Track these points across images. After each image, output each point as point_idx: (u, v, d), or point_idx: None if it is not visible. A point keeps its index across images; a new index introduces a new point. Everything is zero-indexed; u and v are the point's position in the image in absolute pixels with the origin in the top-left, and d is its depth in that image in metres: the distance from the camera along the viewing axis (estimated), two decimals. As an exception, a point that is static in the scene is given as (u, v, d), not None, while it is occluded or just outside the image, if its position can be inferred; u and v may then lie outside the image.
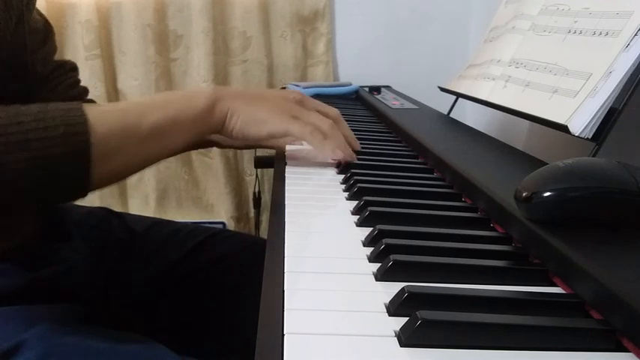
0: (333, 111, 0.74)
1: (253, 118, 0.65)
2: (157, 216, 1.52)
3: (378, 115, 1.11)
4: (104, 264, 0.81)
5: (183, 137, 0.63)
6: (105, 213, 0.90)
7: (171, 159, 1.64)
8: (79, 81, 0.90)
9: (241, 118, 0.65)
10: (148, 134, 0.59)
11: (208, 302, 0.86)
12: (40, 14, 0.83)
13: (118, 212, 0.92)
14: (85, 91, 0.91)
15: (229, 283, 0.86)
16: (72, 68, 0.89)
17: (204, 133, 0.65)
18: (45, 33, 0.83)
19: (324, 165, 0.73)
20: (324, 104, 0.74)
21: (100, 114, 0.55)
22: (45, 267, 0.70)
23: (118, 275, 0.82)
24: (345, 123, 0.75)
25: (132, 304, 0.82)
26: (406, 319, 0.34)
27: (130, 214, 0.93)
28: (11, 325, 0.59)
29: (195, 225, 0.97)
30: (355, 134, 0.89)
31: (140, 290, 0.83)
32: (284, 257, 0.44)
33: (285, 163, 0.73)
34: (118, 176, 0.61)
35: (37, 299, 0.64)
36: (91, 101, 0.90)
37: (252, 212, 1.66)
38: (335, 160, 0.72)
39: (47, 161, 0.51)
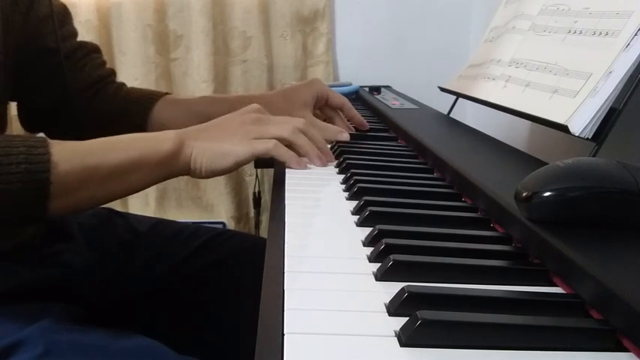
0: (297, 120, 0.72)
1: (217, 153, 0.65)
2: (157, 216, 1.52)
3: (378, 115, 1.11)
4: (107, 264, 0.81)
5: (146, 179, 0.63)
6: (108, 213, 0.90)
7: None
8: (104, 62, 0.93)
9: (205, 156, 0.65)
10: (109, 174, 0.59)
11: (209, 302, 0.86)
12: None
13: (121, 212, 0.92)
14: (113, 71, 0.94)
15: (229, 283, 0.86)
16: (94, 49, 0.92)
17: (169, 175, 0.65)
18: (62, 16, 0.86)
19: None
20: (284, 117, 0.73)
21: (63, 152, 0.57)
22: (46, 267, 0.70)
23: (120, 275, 0.82)
24: (314, 129, 0.73)
25: (134, 303, 0.82)
26: (406, 319, 0.34)
27: (133, 214, 0.94)
28: (11, 323, 0.60)
29: (198, 225, 0.97)
30: (355, 134, 0.89)
31: (142, 290, 0.83)
32: (284, 257, 0.44)
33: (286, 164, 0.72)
34: (78, 209, 0.63)
35: (38, 299, 0.64)
36: (123, 84, 0.93)
37: (252, 212, 1.66)
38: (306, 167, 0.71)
39: (7, 194, 0.53)
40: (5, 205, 0.54)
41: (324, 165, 0.72)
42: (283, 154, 0.68)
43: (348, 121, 0.92)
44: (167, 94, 0.92)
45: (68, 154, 0.57)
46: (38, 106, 0.86)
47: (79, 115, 0.84)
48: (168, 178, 0.66)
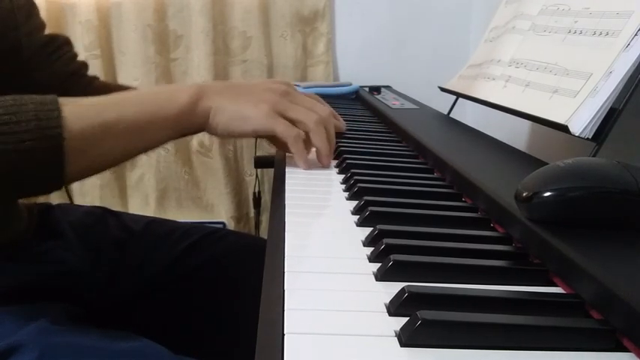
0: (323, 109, 0.70)
1: (237, 115, 0.63)
2: (157, 216, 1.52)
3: (378, 115, 1.11)
4: (101, 263, 0.81)
5: (162, 133, 0.62)
6: (102, 212, 0.89)
7: (171, 159, 1.64)
8: (75, 55, 0.90)
9: (225, 115, 0.63)
10: (126, 130, 0.58)
11: (208, 302, 0.86)
12: None
13: (114, 211, 0.92)
14: (84, 65, 0.91)
15: (229, 283, 0.86)
16: (65, 42, 0.89)
17: (186, 130, 0.64)
18: (27, 9, 0.82)
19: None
20: (312, 100, 0.71)
21: (76, 108, 0.55)
22: (37, 265, 0.70)
23: (115, 274, 0.82)
24: (332, 125, 0.71)
25: (129, 303, 0.82)
26: (406, 319, 0.34)
27: (126, 213, 0.93)
28: (7, 325, 0.59)
29: (192, 224, 0.97)
30: (355, 134, 0.89)
31: (137, 289, 0.83)
32: (284, 257, 0.44)
33: (285, 164, 0.72)
34: (95, 170, 0.61)
35: (33, 299, 0.64)
36: (97, 79, 0.90)
37: (252, 212, 1.66)
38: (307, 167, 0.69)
39: (20, 155, 0.51)
40: (20, 167, 0.51)
41: (326, 166, 0.71)
42: (299, 150, 0.66)
43: None
44: (131, 87, 0.88)
45: (82, 111, 0.55)
46: None
47: None
48: (187, 134, 0.65)
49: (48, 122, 0.52)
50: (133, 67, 1.59)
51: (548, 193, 0.45)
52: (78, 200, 1.61)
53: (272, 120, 0.64)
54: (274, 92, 0.66)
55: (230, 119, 0.63)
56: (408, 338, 0.33)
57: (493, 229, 0.53)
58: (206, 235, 0.90)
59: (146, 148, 0.63)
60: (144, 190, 1.67)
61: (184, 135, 0.65)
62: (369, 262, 0.45)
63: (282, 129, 0.64)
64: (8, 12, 0.76)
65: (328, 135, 0.69)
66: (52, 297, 0.66)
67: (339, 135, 0.87)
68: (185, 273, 0.86)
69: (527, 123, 1.03)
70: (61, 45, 0.88)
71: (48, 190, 0.56)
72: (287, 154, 0.76)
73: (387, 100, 1.23)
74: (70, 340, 0.59)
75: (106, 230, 0.86)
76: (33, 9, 0.84)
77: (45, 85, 0.82)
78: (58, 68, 0.86)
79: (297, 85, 1.36)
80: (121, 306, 0.81)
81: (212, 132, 0.64)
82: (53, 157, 0.52)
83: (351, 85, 1.42)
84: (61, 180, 0.54)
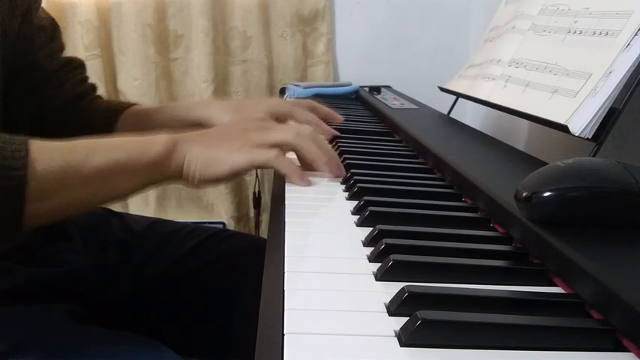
0: (301, 127, 0.68)
1: (211, 160, 0.60)
2: (157, 216, 1.52)
3: (378, 115, 1.11)
4: (104, 264, 0.81)
5: (132, 182, 0.59)
6: (105, 213, 0.90)
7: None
8: (86, 78, 0.90)
9: (199, 162, 0.60)
10: (92, 176, 0.55)
11: (208, 302, 0.86)
12: (45, 13, 0.83)
13: (117, 212, 0.92)
14: (93, 87, 0.91)
15: (229, 283, 0.86)
16: (79, 65, 0.89)
17: (159, 180, 0.61)
18: (51, 31, 0.84)
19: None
20: (291, 125, 0.69)
21: (43, 149, 0.52)
22: (45, 267, 0.70)
23: (118, 275, 0.82)
24: (317, 135, 0.68)
25: (132, 303, 0.82)
26: (406, 319, 0.34)
27: (129, 214, 0.93)
28: (12, 325, 0.59)
29: (196, 225, 0.97)
30: (355, 134, 0.89)
31: (140, 290, 0.83)
32: (284, 257, 0.44)
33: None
34: (57, 215, 0.58)
35: (37, 299, 0.64)
36: (99, 98, 0.91)
37: (252, 212, 1.66)
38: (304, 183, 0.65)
39: None
40: None
41: (335, 175, 0.67)
42: (285, 166, 0.63)
43: (324, 121, 0.87)
44: (134, 105, 0.89)
45: (49, 152, 0.53)
46: (15, 118, 0.84)
47: (52, 130, 0.82)
48: (158, 184, 0.62)
49: (12, 162, 0.49)
50: (133, 67, 1.59)
51: (548, 193, 0.45)
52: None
53: (247, 154, 0.61)
54: (247, 130, 0.64)
55: (204, 166, 0.60)
56: (407, 338, 0.33)
57: (493, 229, 0.53)
58: (209, 236, 0.91)
59: (114, 197, 0.60)
60: (144, 190, 1.67)
61: (156, 186, 0.62)
62: (369, 262, 0.45)
63: (258, 157, 0.62)
64: (32, 33, 0.76)
65: (317, 144, 0.67)
66: (56, 298, 0.66)
67: (339, 133, 0.86)
68: (188, 274, 0.86)
69: (526, 123, 1.03)
70: (76, 67, 0.88)
71: (3, 234, 0.52)
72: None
73: (387, 100, 1.23)
74: (73, 341, 0.59)
75: (110, 231, 0.86)
76: (55, 32, 0.85)
77: (53, 105, 0.83)
78: (67, 89, 0.86)
79: (297, 85, 1.36)
80: (124, 306, 0.81)
81: (191, 184, 0.61)
82: (13, 200, 0.50)
83: (351, 85, 1.42)
84: (19, 224, 0.51)
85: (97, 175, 0.55)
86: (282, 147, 0.64)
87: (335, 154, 0.70)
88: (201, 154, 0.61)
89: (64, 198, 0.54)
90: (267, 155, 0.62)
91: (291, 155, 0.67)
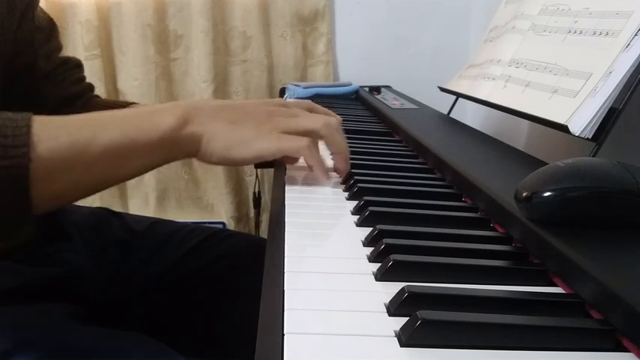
0: (327, 116, 0.65)
1: (237, 140, 0.56)
2: (157, 216, 1.52)
3: (378, 115, 1.11)
4: (105, 264, 0.81)
5: (142, 160, 0.54)
6: (105, 213, 0.90)
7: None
8: (83, 77, 0.90)
9: (221, 141, 0.56)
10: (100, 154, 0.51)
11: (209, 302, 0.86)
12: (44, 12, 0.83)
13: (118, 212, 0.92)
14: (91, 87, 0.91)
15: (229, 283, 0.86)
16: (76, 65, 0.89)
17: (171, 157, 0.56)
18: (49, 31, 0.84)
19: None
20: (312, 108, 0.67)
21: (48, 126, 0.49)
22: (45, 267, 0.70)
23: (118, 275, 0.82)
24: (340, 128, 0.66)
25: (132, 303, 0.82)
26: (406, 319, 0.34)
27: (130, 214, 0.94)
28: (13, 324, 0.59)
29: (196, 225, 0.97)
30: (355, 134, 0.89)
31: (140, 290, 0.83)
32: (284, 257, 0.44)
33: (285, 164, 0.72)
34: (65, 199, 0.54)
35: (38, 299, 0.64)
36: (97, 97, 0.91)
37: (252, 212, 1.66)
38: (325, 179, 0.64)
39: None
40: None
41: (344, 173, 0.66)
42: (314, 158, 0.60)
43: None
44: (131, 104, 0.87)
45: (54, 130, 0.49)
46: None
47: None
48: (172, 160, 0.57)
49: (13, 140, 0.46)
50: (132, 67, 1.59)
51: (548, 193, 0.45)
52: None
53: (275, 140, 0.58)
54: (273, 114, 0.61)
55: (228, 145, 0.56)
56: (407, 338, 0.33)
57: (493, 229, 0.53)
58: (209, 236, 0.91)
59: (125, 176, 0.56)
60: (144, 190, 1.67)
61: (168, 162, 0.58)
62: (369, 262, 0.45)
63: (288, 145, 0.58)
64: (30, 32, 0.75)
65: (342, 137, 0.65)
66: (56, 297, 0.66)
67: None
68: (188, 273, 0.86)
69: (526, 123, 1.03)
70: (73, 67, 0.88)
71: (9, 224, 0.48)
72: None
73: (387, 100, 1.23)
74: (75, 340, 0.59)
75: (110, 231, 0.86)
76: (53, 31, 0.85)
77: (51, 103, 0.83)
78: (64, 88, 0.85)
79: (297, 86, 1.36)
80: (124, 306, 0.81)
81: (205, 160, 0.57)
82: (16, 182, 0.46)
83: (351, 85, 1.42)
84: (24, 213, 0.47)
85: (104, 153, 0.51)
86: (311, 135, 0.61)
87: (348, 150, 0.67)
88: (223, 132, 0.56)
89: (72, 178, 0.51)
90: (299, 144, 0.58)
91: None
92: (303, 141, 0.59)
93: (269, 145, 0.57)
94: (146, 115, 0.55)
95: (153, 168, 0.57)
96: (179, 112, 0.55)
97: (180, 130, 0.55)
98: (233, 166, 0.61)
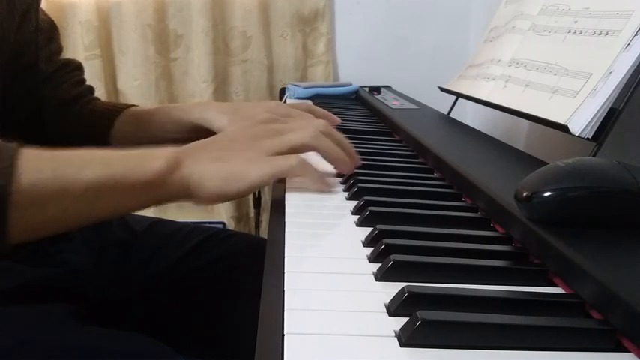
0: (316, 121, 0.64)
1: (228, 176, 0.55)
2: (157, 216, 1.52)
3: (378, 115, 1.11)
4: (105, 264, 0.81)
5: (128, 201, 0.54)
6: (105, 213, 0.90)
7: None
8: (84, 80, 0.91)
9: (213, 179, 0.55)
10: (84, 191, 0.51)
11: (209, 302, 0.86)
12: (45, 14, 0.83)
13: (118, 212, 0.92)
14: (91, 89, 0.91)
15: (229, 283, 0.86)
16: (77, 67, 0.90)
17: (162, 200, 0.56)
18: (50, 32, 0.84)
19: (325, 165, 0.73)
20: (302, 114, 0.66)
21: (33, 159, 0.49)
22: (45, 267, 0.70)
23: (118, 275, 0.82)
24: (333, 130, 0.64)
25: (133, 303, 0.82)
26: (406, 319, 0.34)
27: (130, 214, 0.93)
28: (13, 324, 0.59)
29: (196, 225, 0.97)
30: (355, 134, 0.89)
31: (140, 290, 0.83)
32: (284, 257, 0.44)
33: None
34: (47, 229, 0.54)
35: (38, 299, 0.64)
36: (97, 99, 0.91)
37: (252, 212, 1.66)
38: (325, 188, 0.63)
39: None
40: None
41: (353, 169, 0.65)
42: (309, 172, 0.59)
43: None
44: (131, 106, 0.87)
45: (38, 163, 0.49)
46: (12, 117, 0.84)
47: (50, 130, 0.82)
48: (159, 204, 0.57)
49: None
50: (132, 67, 1.59)
51: (548, 193, 0.45)
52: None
53: (266, 165, 0.56)
54: (258, 136, 0.59)
55: (220, 183, 0.55)
56: (408, 338, 0.33)
57: (493, 229, 0.53)
58: (209, 236, 0.91)
59: (105, 215, 0.56)
60: (144, 190, 1.67)
61: (155, 205, 0.57)
62: (369, 262, 0.45)
63: (280, 167, 0.56)
64: (31, 34, 0.75)
65: (335, 139, 0.63)
66: (56, 297, 0.66)
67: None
68: (188, 273, 0.86)
69: (526, 123, 1.03)
70: (73, 69, 0.88)
71: None
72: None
73: (387, 100, 1.23)
74: (75, 340, 0.59)
75: (110, 231, 0.86)
76: (54, 33, 0.85)
77: (51, 105, 0.83)
78: (64, 90, 0.86)
79: (297, 85, 1.36)
80: (124, 306, 0.81)
81: (201, 201, 0.56)
82: None
83: (351, 85, 1.42)
84: (3, 236, 0.48)
85: (89, 190, 0.51)
86: (300, 150, 0.59)
87: (350, 145, 0.66)
88: (215, 171, 0.55)
89: (54, 212, 0.51)
90: (289, 163, 0.57)
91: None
92: (293, 159, 0.57)
93: (260, 173, 0.56)
94: (135, 157, 0.55)
95: (140, 209, 0.56)
96: (170, 155, 0.54)
97: (169, 174, 0.54)
98: (231, 200, 0.59)
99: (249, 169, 0.56)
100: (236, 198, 0.59)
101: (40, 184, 0.49)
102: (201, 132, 0.76)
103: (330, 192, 0.62)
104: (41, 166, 0.50)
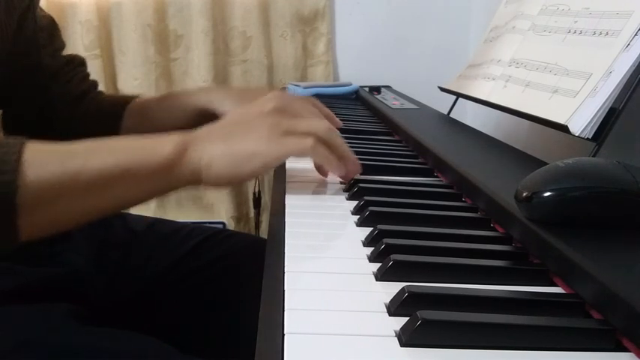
0: (325, 121, 0.62)
1: (239, 156, 0.53)
2: (157, 216, 1.52)
3: (378, 115, 1.11)
4: (105, 264, 0.81)
5: (138, 190, 0.53)
6: (105, 213, 0.90)
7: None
8: (88, 75, 0.92)
9: (224, 161, 0.53)
10: (91, 183, 0.49)
11: (209, 302, 0.86)
12: (43, 11, 0.84)
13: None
14: (95, 84, 0.92)
15: (229, 283, 0.86)
16: (80, 63, 0.90)
17: (172, 186, 0.54)
18: (50, 30, 0.84)
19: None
20: (308, 107, 0.64)
21: (39, 153, 0.48)
22: (46, 267, 0.70)
23: (118, 275, 0.82)
24: (336, 133, 0.62)
25: (133, 303, 0.82)
26: (406, 319, 0.34)
27: (129, 214, 0.93)
28: (14, 324, 0.59)
29: (196, 225, 0.97)
30: (355, 134, 0.89)
31: (141, 289, 0.83)
32: (284, 257, 0.44)
33: (285, 164, 0.72)
34: (57, 226, 0.53)
35: (38, 299, 0.64)
36: (102, 93, 0.92)
37: (252, 212, 1.66)
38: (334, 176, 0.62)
39: None
40: None
41: (355, 174, 0.62)
42: (325, 155, 0.56)
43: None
44: (136, 97, 0.87)
45: (44, 156, 0.49)
46: (22, 115, 0.84)
47: (59, 127, 0.83)
48: (171, 190, 0.56)
49: (2, 165, 0.45)
50: (132, 67, 1.59)
51: (548, 193, 0.45)
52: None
53: (278, 145, 0.54)
54: (269, 115, 0.57)
55: (231, 164, 0.53)
56: (408, 338, 0.33)
57: (493, 229, 0.53)
58: (209, 236, 0.91)
59: (117, 207, 0.55)
60: (144, 190, 1.67)
61: (167, 192, 0.56)
62: (369, 262, 0.45)
63: (293, 146, 0.55)
64: (32, 33, 0.75)
65: (336, 142, 0.60)
66: (57, 297, 0.66)
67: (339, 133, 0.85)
68: (188, 273, 0.86)
69: (526, 123, 1.03)
70: (77, 65, 0.89)
71: None
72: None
73: (387, 100, 1.23)
74: (75, 340, 0.59)
75: (110, 231, 0.86)
76: (55, 30, 0.85)
77: (60, 102, 0.84)
78: (72, 86, 0.87)
79: (297, 85, 1.36)
80: (125, 306, 0.81)
81: (211, 184, 0.54)
82: (2, 209, 0.45)
83: (351, 85, 1.42)
84: (13, 237, 0.47)
85: (96, 181, 0.50)
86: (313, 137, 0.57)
87: (351, 152, 0.63)
88: (225, 152, 0.53)
89: (63, 207, 0.50)
90: (304, 144, 0.54)
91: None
92: (308, 141, 0.55)
93: (273, 151, 0.54)
94: (142, 144, 0.53)
95: (150, 198, 0.55)
96: (177, 140, 0.53)
97: (178, 158, 0.52)
98: (243, 182, 0.57)
99: (263, 147, 0.53)
100: (250, 179, 0.56)
101: (46, 178, 0.48)
102: (208, 117, 0.75)
103: (341, 175, 0.59)
104: (47, 159, 0.49)
